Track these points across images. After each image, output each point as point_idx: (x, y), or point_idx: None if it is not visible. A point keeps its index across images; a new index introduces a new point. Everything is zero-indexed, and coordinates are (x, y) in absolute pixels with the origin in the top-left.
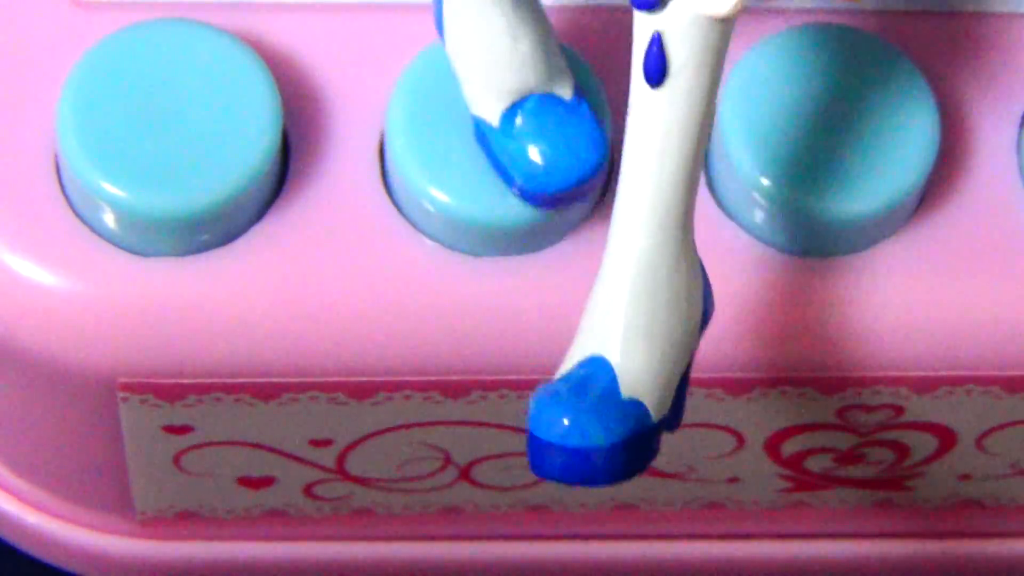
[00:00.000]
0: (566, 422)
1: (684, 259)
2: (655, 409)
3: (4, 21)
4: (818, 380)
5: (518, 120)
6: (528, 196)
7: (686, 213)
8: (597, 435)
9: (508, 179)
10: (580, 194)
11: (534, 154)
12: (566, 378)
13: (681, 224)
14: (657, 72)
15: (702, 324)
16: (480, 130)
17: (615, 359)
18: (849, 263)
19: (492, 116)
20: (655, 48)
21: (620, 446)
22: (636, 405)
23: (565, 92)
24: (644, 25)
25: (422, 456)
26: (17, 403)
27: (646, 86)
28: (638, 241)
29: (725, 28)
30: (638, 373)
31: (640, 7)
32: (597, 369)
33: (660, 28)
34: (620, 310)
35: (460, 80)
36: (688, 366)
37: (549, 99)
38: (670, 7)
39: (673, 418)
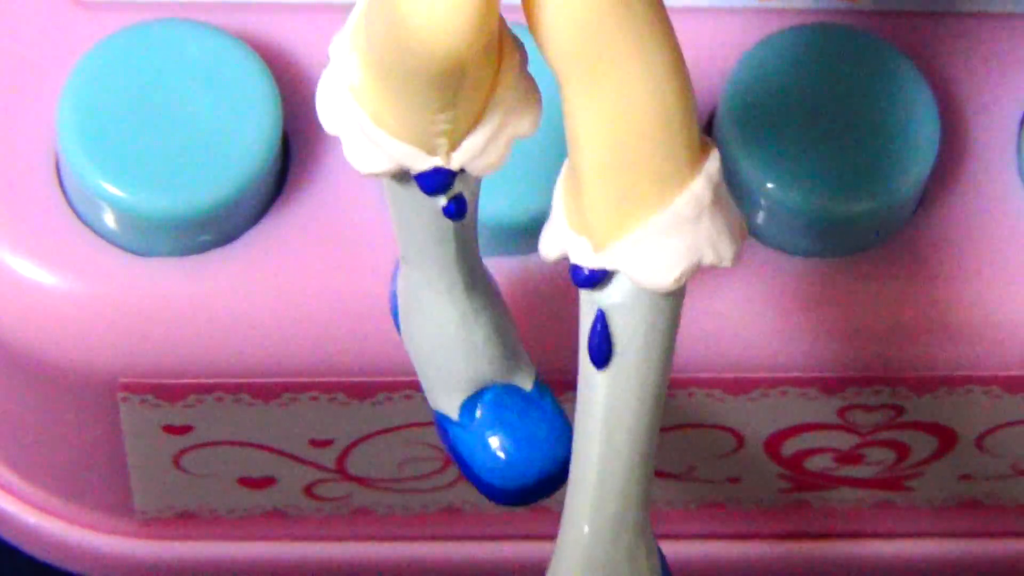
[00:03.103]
0: None
1: (640, 546)
2: None
3: (4, 21)
4: (818, 380)
5: (477, 413)
6: (491, 492)
7: (640, 498)
8: None
9: (470, 474)
10: (548, 489)
11: (495, 448)
12: None
13: (636, 510)
14: (602, 352)
15: None
16: (441, 424)
17: None
18: (849, 263)
19: (451, 409)
20: (599, 327)
21: None
22: None
23: (526, 382)
24: (588, 302)
25: (422, 456)
26: (17, 403)
27: (592, 366)
28: (589, 531)
29: (673, 302)
30: None
31: (581, 285)
32: None
33: (603, 306)
34: None
35: (418, 373)
36: None
37: (509, 390)
38: (612, 284)
39: None
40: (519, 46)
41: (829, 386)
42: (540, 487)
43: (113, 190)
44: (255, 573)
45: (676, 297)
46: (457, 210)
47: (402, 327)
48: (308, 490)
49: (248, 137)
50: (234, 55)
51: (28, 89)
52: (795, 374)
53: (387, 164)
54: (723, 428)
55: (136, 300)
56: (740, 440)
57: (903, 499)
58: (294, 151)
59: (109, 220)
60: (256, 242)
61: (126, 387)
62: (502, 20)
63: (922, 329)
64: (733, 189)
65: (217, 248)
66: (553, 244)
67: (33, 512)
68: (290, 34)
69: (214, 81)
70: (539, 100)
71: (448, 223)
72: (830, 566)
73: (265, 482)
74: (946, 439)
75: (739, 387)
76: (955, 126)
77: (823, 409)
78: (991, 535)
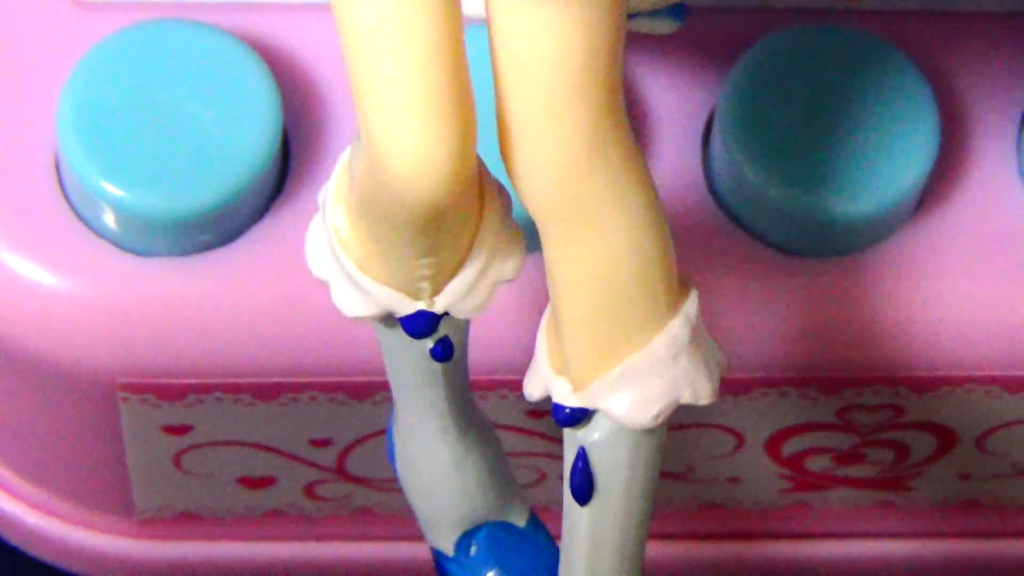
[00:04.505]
0: None
1: None
2: None
3: (4, 21)
4: (818, 380)
5: (472, 550)
6: None
7: None
8: None
9: None
10: None
11: None
12: None
13: None
14: (583, 490)
15: None
16: (438, 560)
17: None
18: (849, 263)
19: (446, 546)
20: (580, 464)
21: None
22: None
23: (519, 519)
24: (570, 440)
25: None
26: (17, 403)
27: (575, 503)
28: None
29: (654, 438)
30: None
31: (562, 424)
32: None
33: (585, 443)
34: None
35: (415, 511)
36: None
37: (503, 526)
38: (593, 422)
39: None
40: (502, 192)
41: (829, 386)
42: None
43: (113, 190)
44: (255, 573)
45: (657, 433)
46: (443, 352)
47: (398, 467)
48: (308, 490)
49: (248, 137)
50: (234, 55)
51: (28, 89)
52: (795, 374)
53: (373, 308)
54: (723, 428)
55: (136, 300)
56: (740, 440)
57: (903, 499)
58: (294, 151)
59: (109, 220)
60: (256, 242)
61: (126, 387)
62: (484, 168)
63: (922, 329)
64: (733, 189)
65: (217, 248)
66: (536, 384)
67: (33, 512)
68: (290, 34)
69: (214, 81)
70: (523, 245)
71: (436, 365)
72: (830, 566)
73: (265, 482)
74: (946, 439)
75: (739, 387)
76: (955, 126)
77: (823, 409)
78: (991, 535)
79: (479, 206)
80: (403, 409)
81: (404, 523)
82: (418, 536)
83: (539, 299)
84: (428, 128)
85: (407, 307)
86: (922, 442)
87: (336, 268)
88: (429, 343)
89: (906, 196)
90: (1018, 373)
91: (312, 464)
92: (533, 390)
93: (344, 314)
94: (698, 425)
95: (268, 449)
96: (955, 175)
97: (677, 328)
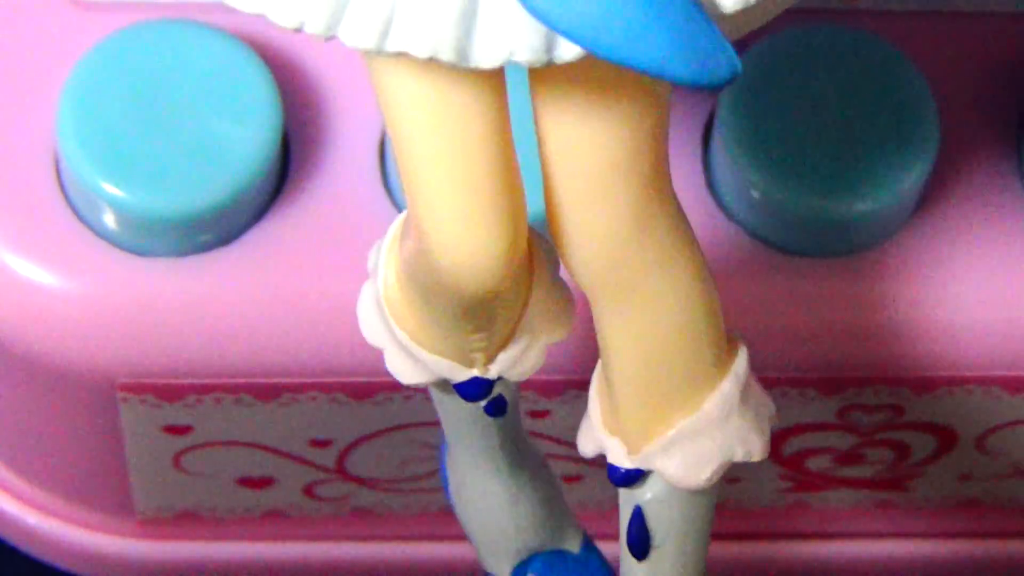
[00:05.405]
0: None
1: None
2: None
3: (4, 21)
4: (818, 380)
5: None
6: None
7: None
8: None
9: None
10: None
11: None
12: None
13: None
14: (640, 546)
15: None
16: None
17: None
18: (849, 263)
19: (503, 574)
20: (636, 521)
21: None
22: None
23: (573, 545)
24: (626, 498)
25: (422, 456)
26: (17, 403)
27: (632, 558)
28: None
29: (707, 499)
30: None
31: (618, 484)
32: None
33: (640, 502)
34: None
35: (472, 541)
36: None
37: (556, 556)
38: (648, 482)
39: None
40: (549, 253)
41: (829, 386)
42: None
43: (113, 190)
44: (255, 573)
45: (710, 490)
46: (497, 410)
47: (453, 500)
48: (308, 490)
49: (248, 137)
50: (234, 55)
51: (28, 89)
52: (795, 374)
53: (427, 376)
54: None
55: (136, 300)
56: None
57: (903, 499)
58: (294, 151)
59: (109, 220)
60: (256, 242)
61: (126, 387)
62: (532, 232)
63: (922, 329)
64: (733, 189)
65: (217, 248)
66: (590, 443)
67: (33, 512)
68: (290, 34)
69: (214, 82)
70: (573, 302)
71: (490, 419)
72: (830, 566)
73: (265, 482)
74: (946, 439)
75: None
76: (955, 126)
77: (823, 409)
78: (991, 535)
79: (529, 278)
80: (455, 448)
81: (404, 523)
82: (418, 536)
83: None
84: (478, 228)
85: (461, 375)
86: (922, 442)
87: (389, 337)
88: (483, 403)
89: (906, 196)
90: (1018, 373)
91: (312, 464)
92: (587, 448)
93: (399, 381)
94: None
95: (268, 449)
96: (955, 175)
97: (728, 389)
